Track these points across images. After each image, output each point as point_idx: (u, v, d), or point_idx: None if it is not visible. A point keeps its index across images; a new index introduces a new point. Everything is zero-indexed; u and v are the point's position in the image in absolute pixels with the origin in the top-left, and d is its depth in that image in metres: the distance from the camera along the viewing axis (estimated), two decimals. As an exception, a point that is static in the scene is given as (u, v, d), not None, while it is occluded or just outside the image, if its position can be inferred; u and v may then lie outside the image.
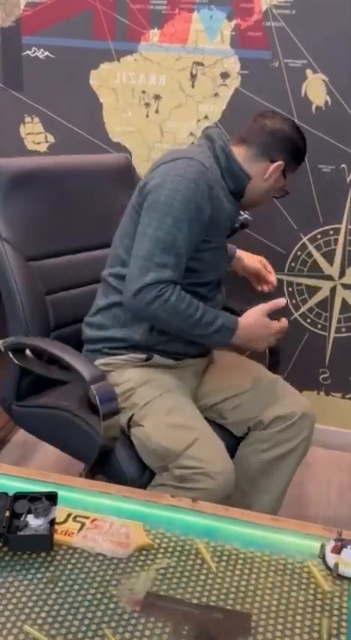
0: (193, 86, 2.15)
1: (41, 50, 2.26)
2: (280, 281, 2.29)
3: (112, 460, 1.58)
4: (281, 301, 1.63)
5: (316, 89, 2.07)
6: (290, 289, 2.30)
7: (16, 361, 1.74)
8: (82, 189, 1.92)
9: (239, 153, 1.65)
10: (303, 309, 2.32)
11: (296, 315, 2.33)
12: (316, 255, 2.24)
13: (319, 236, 2.22)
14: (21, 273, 1.72)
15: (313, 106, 2.09)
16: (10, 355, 1.74)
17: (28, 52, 2.26)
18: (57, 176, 1.87)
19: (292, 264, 2.27)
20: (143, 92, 2.20)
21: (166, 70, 2.15)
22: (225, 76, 2.12)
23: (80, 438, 1.64)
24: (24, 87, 2.31)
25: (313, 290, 2.29)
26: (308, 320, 2.33)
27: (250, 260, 1.96)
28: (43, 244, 1.80)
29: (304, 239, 2.23)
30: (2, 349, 1.73)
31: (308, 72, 2.05)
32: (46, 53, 2.25)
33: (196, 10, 2.08)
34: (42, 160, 1.96)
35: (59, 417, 1.71)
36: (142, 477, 1.57)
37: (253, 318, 1.61)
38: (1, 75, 2.31)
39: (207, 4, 2.06)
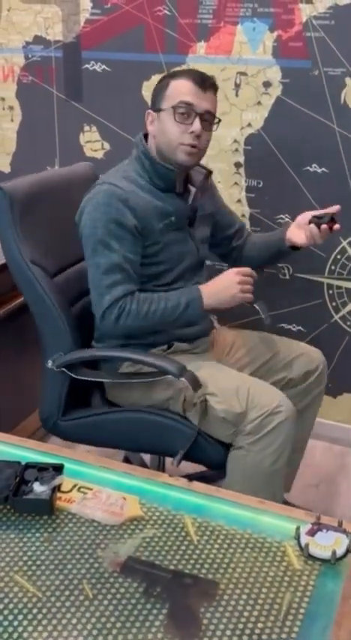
0: (237, 95, 2.25)
1: (99, 64, 2.42)
2: (319, 284, 2.34)
3: (202, 443, 1.68)
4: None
5: (355, 96, 2.12)
6: (330, 292, 2.34)
7: (75, 376, 1.76)
8: (65, 200, 1.89)
9: (151, 143, 1.76)
10: (343, 312, 2.35)
11: (336, 317, 2.37)
12: (356, 258, 2.28)
13: (358, 240, 2.27)
14: (53, 292, 1.75)
15: (353, 113, 2.14)
16: (67, 372, 1.76)
17: (87, 65, 2.44)
18: (48, 192, 1.87)
19: (332, 267, 2.31)
20: (190, 101, 2.31)
21: (211, 80, 2.26)
22: (267, 85, 2.20)
23: (164, 433, 1.73)
24: (83, 98, 2.48)
25: (352, 293, 2.33)
26: (348, 323, 2.36)
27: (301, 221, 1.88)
28: (57, 259, 1.83)
29: (344, 243, 2.27)
30: (55, 368, 1.75)
31: (347, 80, 2.10)
32: (103, 66, 2.42)
33: (240, 23, 2.17)
34: (32, 178, 1.87)
35: (128, 420, 1.78)
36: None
37: (218, 276, 1.73)
38: (63, 87, 2.50)
39: (250, 16, 2.15)
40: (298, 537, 1.21)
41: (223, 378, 1.69)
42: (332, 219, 1.77)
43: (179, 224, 1.77)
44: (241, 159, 2.32)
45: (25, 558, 1.18)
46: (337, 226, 1.77)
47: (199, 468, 2.08)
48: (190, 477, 1.41)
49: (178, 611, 1.08)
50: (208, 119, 1.69)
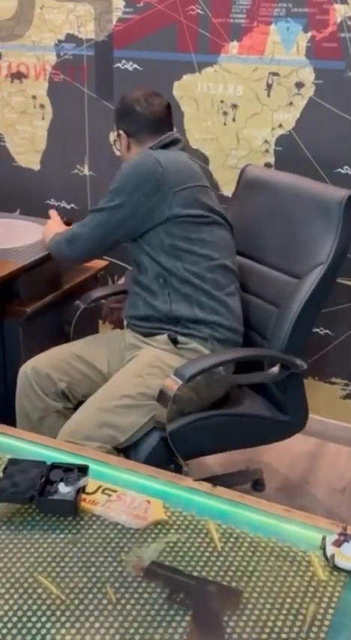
0: (268, 95, 2.23)
1: (130, 63, 2.42)
2: (347, 287, 2.31)
3: None
4: None
5: None
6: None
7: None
8: (286, 209, 1.89)
9: None
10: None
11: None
12: None
13: None
14: None
15: None
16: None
17: (118, 64, 2.43)
18: (275, 189, 1.94)
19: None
20: (221, 102, 2.30)
21: (243, 81, 2.25)
22: (300, 85, 2.18)
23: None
24: (114, 97, 2.48)
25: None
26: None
27: None
28: (243, 243, 1.97)
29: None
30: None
31: (381, 81, 2.08)
32: (135, 65, 2.41)
33: (274, 23, 2.15)
34: (274, 173, 2.11)
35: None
36: None
37: None
38: (95, 86, 2.50)
39: (284, 16, 2.13)
40: (323, 547, 1.20)
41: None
42: None
43: None
44: (272, 160, 2.30)
45: (49, 559, 1.19)
46: None
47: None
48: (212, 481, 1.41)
49: (202, 617, 1.08)
50: None
